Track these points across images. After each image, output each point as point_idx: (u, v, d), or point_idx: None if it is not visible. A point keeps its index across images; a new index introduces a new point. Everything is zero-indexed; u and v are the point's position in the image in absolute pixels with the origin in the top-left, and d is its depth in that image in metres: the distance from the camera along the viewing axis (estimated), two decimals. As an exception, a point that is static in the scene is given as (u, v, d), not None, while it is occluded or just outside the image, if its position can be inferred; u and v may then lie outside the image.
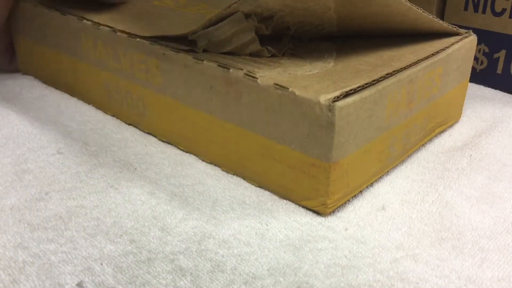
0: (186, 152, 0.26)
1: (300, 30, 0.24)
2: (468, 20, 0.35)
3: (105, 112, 0.29)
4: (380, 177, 0.24)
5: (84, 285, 0.17)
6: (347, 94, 0.19)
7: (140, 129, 0.28)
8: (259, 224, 0.20)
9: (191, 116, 0.24)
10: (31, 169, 0.24)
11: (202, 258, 0.18)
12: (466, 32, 0.27)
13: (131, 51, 0.25)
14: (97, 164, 0.24)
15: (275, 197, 0.22)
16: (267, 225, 0.20)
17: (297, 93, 0.19)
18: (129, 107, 0.27)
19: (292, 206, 0.21)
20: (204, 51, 0.23)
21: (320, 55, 0.23)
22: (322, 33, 0.25)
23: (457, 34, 0.27)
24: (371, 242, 0.19)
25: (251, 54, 0.23)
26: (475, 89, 0.35)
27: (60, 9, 0.30)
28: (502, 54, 0.34)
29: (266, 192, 0.22)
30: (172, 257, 0.18)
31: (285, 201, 0.22)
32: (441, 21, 0.26)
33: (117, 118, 0.29)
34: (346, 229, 0.20)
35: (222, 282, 0.17)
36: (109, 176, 0.23)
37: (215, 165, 0.24)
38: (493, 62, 0.35)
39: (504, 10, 0.33)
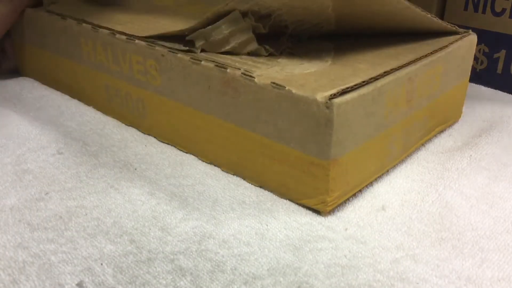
0: (186, 152, 0.26)
1: (298, 29, 0.24)
2: (468, 20, 0.35)
3: (105, 113, 0.29)
4: (380, 177, 0.24)
5: (84, 285, 0.17)
6: (344, 92, 0.19)
7: (140, 130, 0.28)
8: (259, 224, 0.20)
9: (190, 116, 0.24)
10: (31, 169, 0.24)
11: (202, 258, 0.18)
12: (465, 31, 0.27)
13: (130, 53, 0.25)
14: (97, 164, 0.24)
15: (275, 197, 0.22)
16: (267, 225, 0.20)
17: (294, 91, 0.19)
18: (129, 108, 0.28)
19: (292, 206, 0.21)
20: (202, 51, 0.23)
21: (318, 53, 0.23)
22: (320, 32, 0.25)
23: (456, 33, 0.27)
24: (371, 242, 0.19)
25: (249, 54, 0.23)
26: (475, 89, 0.35)
27: (60, 13, 0.30)
28: (502, 54, 0.34)
29: (266, 192, 0.22)
30: (172, 257, 0.18)
31: (285, 200, 0.22)
32: (440, 20, 0.26)
33: (117, 119, 0.29)
34: (346, 229, 0.20)
35: (222, 282, 0.17)
36: (109, 176, 0.23)
37: (214, 165, 0.24)
38: (493, 62, 0.35)
39: (504, 10, 0.33)
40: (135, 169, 0.24)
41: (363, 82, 0.20)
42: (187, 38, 0.23)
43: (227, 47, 0.23)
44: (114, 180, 0.23)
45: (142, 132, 0.27)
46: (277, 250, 0.19)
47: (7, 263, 0.18)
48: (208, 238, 0.19)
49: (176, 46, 0.23)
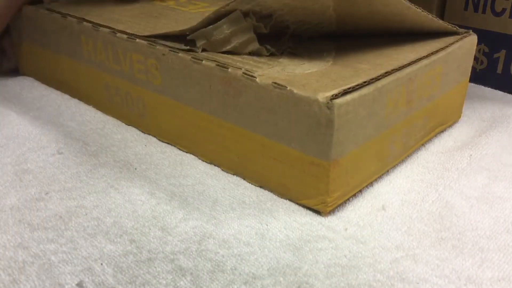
0: (186, 152, 0.26)
1: (300, 29, 0.24)
2: (468, 20, 0.35)
3: (105, 113, 0.29)
4: (380, 176, 0.24)
5: (84, 285, 0.17)
6: (345, 92, 0.19)
7: (140, 130, 0.28)
8: (259, 224, 0.20)
9: (191, 116, 0.24)
10: (31, 169, 0.24)
11: (202, 258, 0.18)
12: (465, 32, 0.27)
13: (131, 52, 0.25)
14: (97, 164, 0.24)
15: (275, 197, 0.22)
16: (267, 225, 0.20)
17: (295, 91, 0.19)
18: (129, 107, 0.27)
19: (292, 206, 0.21)
20: (203, 50, 0.23)
21: (319, 53, 0.23)
22: (322, 32, 0.25)
23: (456, 33, 0.27)
24: (371, 242, 0.19)
25: (250, 53, 0.23)
26: (475, 89, 0.35)
27: (60, 11, 0.30)
28: (502, 54, 0.34)
29: (266, 192, 0.22)
30: (172, 257, 0.18)
31: (285, 200, 0.22)
32: (440, 21, 0.26)
33: (117, 118, 0.29)
34: (346, 229, 0.20)
35: (222, 282, 0.17)
36: (109, 176, 0.23)
37: (215, 165, 0.24)
38: (493, 62, 0.35)
39: (504, 10, 0.33)
40: (135, 169, 0.24)
41: (364, 82, 0.20)
42: (188, 37, 0.23)
43: (228, 47, 0.23)
44: (114, 180, 0.23)
45: (142, 132, 0.27)
46: (277, 250, 0.19)
47: (7, 263, 0.18)
48: (208, 238, 0.19)
49: (177, 45, 0.23)
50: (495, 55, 0.34)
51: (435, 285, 0.17)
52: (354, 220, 0.21)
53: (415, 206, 0.22)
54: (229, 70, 0.21)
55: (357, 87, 0.20)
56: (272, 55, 0.23)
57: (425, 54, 0.24)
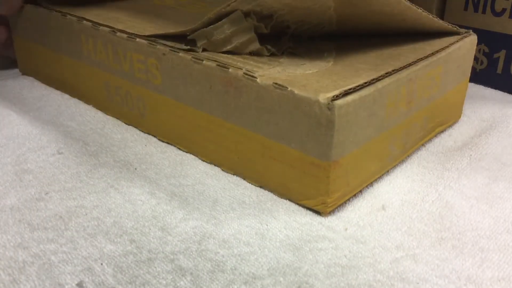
0: (186, 152, 0.26)
1: (300, 29, 0.24)
2: (468, 20, 0.35)
3: (105, 113, 0.29)
4: (380, 176, 0.24)
5: (84, 285, 0.17)
6: (346, 93, 0.19)
7: (140, 129, 0.28)
8: (259, 224, 0.20)
9: (191, 116, 0.24)
10: (31, 169, 0.24)
11: (202, 258, 0.18)
12: (466, 32, 0.27)
13: (131, 52, 0.25)
14: (97, 164, 0.24)
15: (275, 197, 0.22)
16: (267, 225, 0.20)
17: (296, 92, 0.19)
18: (129, 107, 0.27)
19: (292, 206, 0.21)
20: (204, 50, 0.23)
21: (320, 54, 0.23)
22: (322, 32, 0.25)
23: (457, 33, 0.27)
24: (371, 242, 0.19)
25: (250, 53, 0.23)
26: (475, 89, 0.35)
27: (60, 10, 0.30)
28: (502, 54, 0.34)
29: (266, 192, 0.22)
30: (172, 257, 0.18)
31: (285, 200, 0.22)
32: (441, 21, 0.26)
33: (117, 118, 0.29)
34: (346, 229, 0.20)
35: (222, 282, 0.17)
36: (109, 176, 0.23)
37: (215, 165, 0.24)
38: (493, 62, 0.35)
39: (504, 10, 0.33)
40: (135, 168, 0.24)
41: (365, 83, 0.20)
42: (189, 37, 0.23)
43: (229, 47, 0.23)
44: (114, 180, 0.23)
45: (142, 132, 0.27)
46: (277, 250, 0.19)
47: (7, 263, 0.18)
48: (208, 238, 0.19)
49: (178, 45, 0.23)
50: (495, 55, 0.34)
51: (435, 285, 0.17)
52: (354, 220, 0.21)
53: (415, 206, 0.22)
54: (230, 70, 0.21)
55: (358, 87, 0.20)
56: (272, 55, 0.23)
57: (425, 54, 0.24)
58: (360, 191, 0.22)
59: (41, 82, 0.34)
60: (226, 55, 0.23)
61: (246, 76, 0.21)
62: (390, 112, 0.22)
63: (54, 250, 0.19)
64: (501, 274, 0.18)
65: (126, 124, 0.28)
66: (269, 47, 0.23)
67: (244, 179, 0.23)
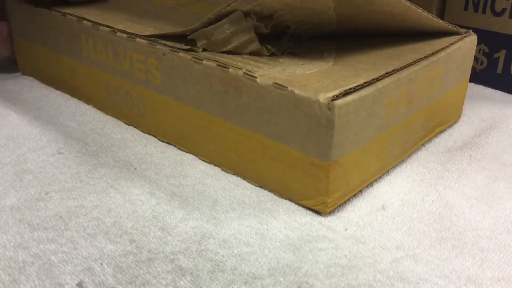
0: (186, 152, 0.26)
1: (300, 29, 0.24)
2: (468, 20, 0.35)
3: (105, 113, 0.29)
4: (380, 176, 0.24)
5: (84, 285, 0.17)
6: (346, 93, 0.19)
7: (140, 129, 0.28)
8: (259, 224, 0.20)
9: (191, 116, 0.24)
10: (31, 169, 0.24)
11: (202, 258, 0.18)
12: (466, 32, 0.27)
13: (131, 51, 0.25)
14: (97, 164, 0.24)
15: (275, 197, 0.22)
16: (267, 225, 0.20)
17: (296, 92, 0.19)
18: (129, 107, 0.27)
19: (292, 206, 0.21)
20: (204, 50, 0.23)
21: (320, 54, 0.23)
22: (322, 32, 0.25)
23: (457, 33, 0.27)
24: (371, 242, 0.19)
25: (251, 53, 0.23)
26: (475, 89, 0.35)
27: (60, 10, 0.30)
28: (502, 54, 0.34)
29: (266, 192, 0.22)
30: (172, 257, 0.18)
31: (285, 200, 0.22)
32: (441, 21, 0.26)
33: (117, 118, 0.29)
34: (346, 229, 0.20)
35: (222, 282, 0.17)
36: (109, 176, 0.23)
37: (215, 165, 0.24)
38: (493, 62, 0.35)
39: (504, 10, 0.33)
40: (135, 168, 0.24)
41: (365, 83, 0.20)
42: (189, 37, 0.23)
43: (229, 47, 0.23)
44: (114, 180, 0.23)
45: (142, 132, 0.27)
46: (277, 250, 0.19)
47: (7, 263, 0.18)
48: (208, 238, 0.19)
49: (178, 45, 0.23)
50: (495, 55, 0.34)
51: (435, 285, 0.17)
52: (354, 220, 0.21)
53: (415, 206, 0.22)
54: (230, 70, 0.21)
55: (358, 87, 0.20)
56: (272, 55, 0.23)
57: (425, 54, 0.24)
58: (360, 191, 0.22)
59: (41, 82, 0.34)
60: (226, 55, 0.23)
61: (246, 76, 0.21)
62: (390, 112, 0.22)
63: (54, 250, 0.19)
64: (501, 274, 0.18)
65: (126, 124, 0.28)
66: (269, 47, 0.23)
67: (244, 179, 0.23)
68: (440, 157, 0.26)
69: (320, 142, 0.19)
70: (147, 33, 0.25)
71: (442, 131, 0.28)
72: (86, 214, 0.21)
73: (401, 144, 0.24)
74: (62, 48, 0.30)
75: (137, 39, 0.25)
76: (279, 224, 0.20)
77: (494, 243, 0.20)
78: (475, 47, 0.28)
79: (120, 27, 0.26)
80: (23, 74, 0.35)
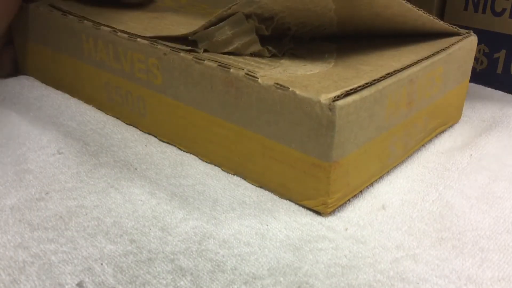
0: (187, 152, 0.26)
1: (301, 31, 0.24)
2: (468, 20, 0.35)
3: (105, 112, 0.29)
4: (381, 176, 0.24)
5: (84, 285, 0.17)
6: (347, 94, 0.19)
7: (140, 129, 0.28)
8: (259, 224, 0.20)
9: (192, 116, 0.24)
10: (31, 169, 0.24)
11: (202, 258, 0.18)
12: (466, 32, 0.27)
13: (132, 51, 0.25)
14: (97, 164, 0.24)
15: (275, 197, 0.22)
16: (267, 225, 0.20)
17: (297, 92, 0.19)
18: (130, 107, 0.27)
19: (292, 206, 0.21)
20: (205, 51, 0.23)
21: (321, 55, 0.23)
22: (323, 34, 0.25)
23: (457, 34, 0.27)
24: (371, 242, 0.19)
25: (252, 54, 0.23)
26: (475, 89, 0.35)
27: (60, 9, 0.30)
28: (502, 54, 0.34)
29: (266, 192, 0.22)
30: (172, 257, 0.18)
31: (285, 201, 0.22)
32: (441, 21, 0.26)
33: (118, 118, 0.29)
34: (346, 229, 0.20)
35: (222, 282, 0.17)
36: (109, 176, 0.23)
37: (215, 165, 0.24)
38: (493, 62, 0.35)
39: (504, 10, 0.33)
40: (136, 169, 0.24)
41: (366, 84, 0.20)
42: (190, 38, 0.23)
43: (230, 48, 0.23)
44: (114, 180, 0.23)
45: (143, 132, 0.27)
46: (277, 250, 0.19)
47: (7, 263, 0.18)
48: (208, 238, 0.19)
49: (179, 45, 0.23)
50: (495, 55, 0.35)
51: (435, 285, 0.17)
52: (354, 220, 0.21)
53: (415, 206, 0.22)
54: (231, 70, 0.21)
55: (359, 88, 0.20)
56: (273, 56, 0.23)
57: (426, 55, 0.24)
58: (360, 191, 0.22)
59: (41, 82, 0.34)
60: (227, 56, 0.23)
61: (248, 76, 0.21)
62: (391, 112, 0.22)
63: (54, 250, 0.19)
64: (501, 274, 0.18)
65: (126, 124, 0.28)
66: (270, 48, 0.23)
67: (244, 179, 0.23)
68: (441, 157, 0.26)
69: (321, 142, 0.19)
70: (148, 35, 0.25)
71: (442, 131, 0.28)
72: (86, 214, 0.21)
73: (402, 144, 0.24)
74: (62, 48, 0.30)
75: (138, 39, 0.25)
76: (279, 224, 0.20)
77: (494, 243, 0.20)
78: (475, 48, 0.28)
79: (121, 27, 0.26)
80: (23, 74, 0.35)
